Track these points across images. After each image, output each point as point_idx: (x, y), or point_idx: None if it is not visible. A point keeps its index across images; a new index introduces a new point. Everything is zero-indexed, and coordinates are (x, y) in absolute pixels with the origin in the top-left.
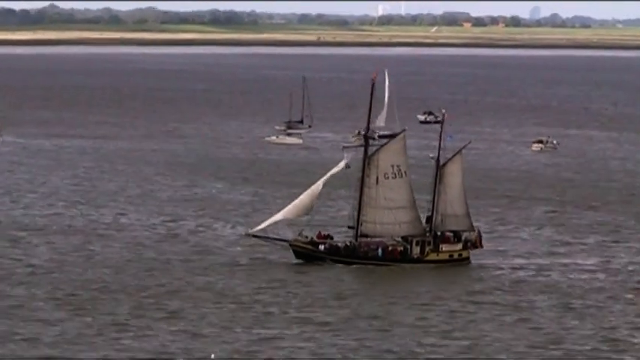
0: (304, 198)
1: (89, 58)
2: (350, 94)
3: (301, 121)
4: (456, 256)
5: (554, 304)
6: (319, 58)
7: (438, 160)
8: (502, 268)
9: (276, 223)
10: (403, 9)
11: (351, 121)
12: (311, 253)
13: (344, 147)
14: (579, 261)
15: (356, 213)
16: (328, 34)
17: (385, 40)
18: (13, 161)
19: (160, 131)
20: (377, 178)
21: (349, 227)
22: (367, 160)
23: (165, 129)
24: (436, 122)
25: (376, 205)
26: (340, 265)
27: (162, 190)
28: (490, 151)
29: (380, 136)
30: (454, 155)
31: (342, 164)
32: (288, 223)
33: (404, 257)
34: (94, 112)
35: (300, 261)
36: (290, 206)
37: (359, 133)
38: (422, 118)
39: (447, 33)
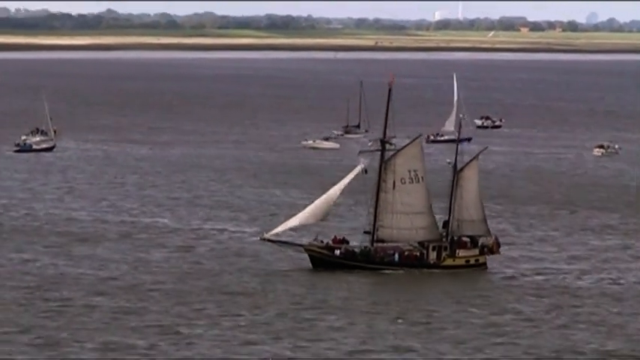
0: (320, 203)
1: (146, 63)
2: (407, 100)
3: (358, 126)
4: (472, 261)
5: (589, 310)
6: (376, 62)
7: (455, 165)
8: (533, 274)
9: (291, 228)
10: (460, 14)
11: (406, 126)
12: (326, 258)
13: (360, 152)
14: (622, 265)
15: (372, 218)
16: (385, 39)
17: (442, 45)
18: (68, 166)
19: (212, 136)
20: (394, 183)
21: (365, 232)
22: (384, 164)
23: (218, 134)
24: (494, 127)
25: (393, 210)
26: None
27: (209, 195)
28: (549, 156)
29: (447, 141)
30: (471, 160)
31: (358, 169)
32: (303, 227)
33: (420, 262)
34: (148, 116)
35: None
36: (305, 211)
37: (428, 137)
38: (479, 122)
39: (503, 38)
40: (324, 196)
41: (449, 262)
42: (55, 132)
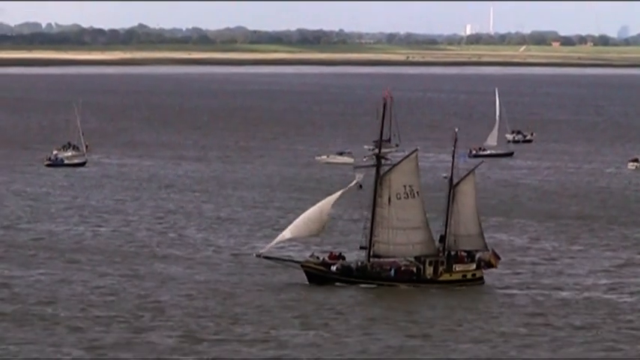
0: (312, 216)
1: (177, 78)
2: (438, 114)
3: (389, 140)
4: (469, 276)
5: (607, 329)
6: (408, 77)
7: (451, 179)
8: (555, 288)
9: (284, 241)
10: (492, 28)
11: (436, 141)
12: (323, 275)
13: (356, 167)
14: (631, 280)
15: (368, 233)
16: (417, 54)
17: (474, 59)
18: (99, 181)
19: (237, 151)
20: (389, 199)
21: (361, 248)
22: (379, 180)
23: (243, 149)
24: (525, 141)
25: (389, 226)
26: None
27: (231, 211)
28: (582, 170)
29: (489, 155)
30: (467, 175)
31: (353, 184)
32: (296, 241)
33: (417, 278)
34: (177, 132)
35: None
36: (297, 224)
37: (470, 151)
38: (510, 137)
39: (535, 52)
40: (316, 209)
41: (446, 277)
42: (87, 147)
